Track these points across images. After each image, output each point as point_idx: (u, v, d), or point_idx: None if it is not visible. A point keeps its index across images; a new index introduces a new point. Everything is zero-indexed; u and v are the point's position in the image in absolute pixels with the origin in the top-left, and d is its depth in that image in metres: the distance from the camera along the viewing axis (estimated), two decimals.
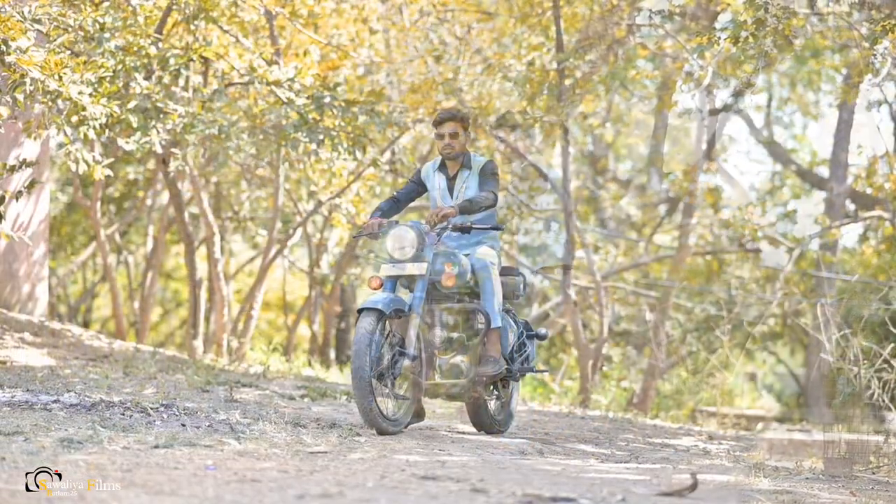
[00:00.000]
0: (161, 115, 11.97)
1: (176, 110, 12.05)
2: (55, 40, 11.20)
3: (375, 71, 17.31)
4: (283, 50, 15.11)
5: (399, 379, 7.89)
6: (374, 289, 8.01)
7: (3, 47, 9.59)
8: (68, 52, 11.69)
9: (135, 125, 11.71)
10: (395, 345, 7.84)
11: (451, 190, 8.52)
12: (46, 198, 14.21)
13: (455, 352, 8.14)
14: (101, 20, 11.80)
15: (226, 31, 14.29)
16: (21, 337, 12.41)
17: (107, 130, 11.66)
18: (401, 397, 7.96)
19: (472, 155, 8.56)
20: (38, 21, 10.56)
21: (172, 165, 13.36)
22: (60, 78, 10.05)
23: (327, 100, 12.39)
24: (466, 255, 8.36)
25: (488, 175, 8.40)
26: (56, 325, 13.84)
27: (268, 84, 12.68)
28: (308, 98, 12.38)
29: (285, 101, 12.40)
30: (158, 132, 11.90)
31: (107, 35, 11.82)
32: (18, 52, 9.65)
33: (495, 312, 8.19)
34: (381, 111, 13.14)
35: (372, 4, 15.74)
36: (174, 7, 12.68)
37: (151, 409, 8.31)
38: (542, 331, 9.06)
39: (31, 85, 9.88)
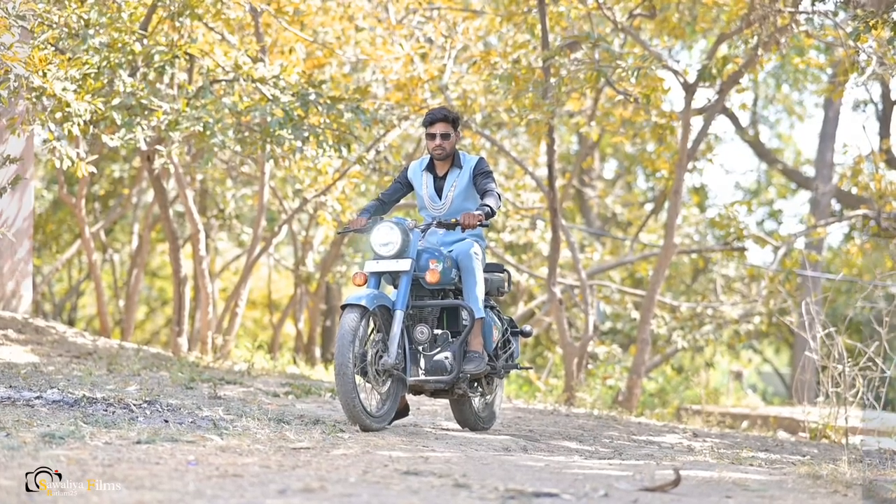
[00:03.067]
0: (146, 112, 11.95)
1: (161, 107, 12.03)
2: (39, 37, 11.17)
3: (361, 69, 17.31)
4: (268, 47, 15.10)
5: (382, 375, 7.86)
6: (359, 285, 7.98)
7: None
8: (53, 48, 11.66)
9: (119, 122, 11.68)
10: (379, 341, 7.82)
11: (439, 190, 8.49)
12: (31, 195, 14.17)
13: (439, 348, 8.12)
14: (85, 17, 11.78)
15: (211, 29, 14.28)
16: (4, 334, 12.37)
17: (91, 127, 11.65)
18: (384, 393, 7.94)
19: (462, 154, 8.53)
20: (23, 17, 10.48)
21: (157, 163, 13.31)
22: (45, 74, 10.02)
23: (312, 97, 12.37)
24: (451, 251, 8.35)
25: (485, 174, 8.38)
26: (40, 322, 13.80)
27: (253, 81, 12.65)
28: (293, 95, 12.36)
29: (270, 98, 12.38)
30: (143, 129, 11.87)
31: (91, 31, 11.80)
32: (2, 48, 9.62)
33: (478, 303, 8.18)
34: (366, 108, 13.13)
35: (358, 2, 15.72)
36: (159, 4, 12.65)
37: (134, 405, 8.29)
38: (527, 328, 9.05)
39: (15, 81, 9.85)
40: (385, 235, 7.95)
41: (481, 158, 8.49)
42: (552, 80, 13.43)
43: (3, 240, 13.29)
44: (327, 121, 12.63)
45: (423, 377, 8.04)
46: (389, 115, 14.84)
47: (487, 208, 8.12)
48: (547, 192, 14.50)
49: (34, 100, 10.43)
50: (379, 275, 8.02)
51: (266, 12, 14.45)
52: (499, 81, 13.51)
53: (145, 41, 12.41)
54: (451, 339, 8.24)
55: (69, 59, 10.78)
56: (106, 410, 8.00)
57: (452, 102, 15.33)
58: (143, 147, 12.14)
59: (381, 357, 7.78)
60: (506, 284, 8.87)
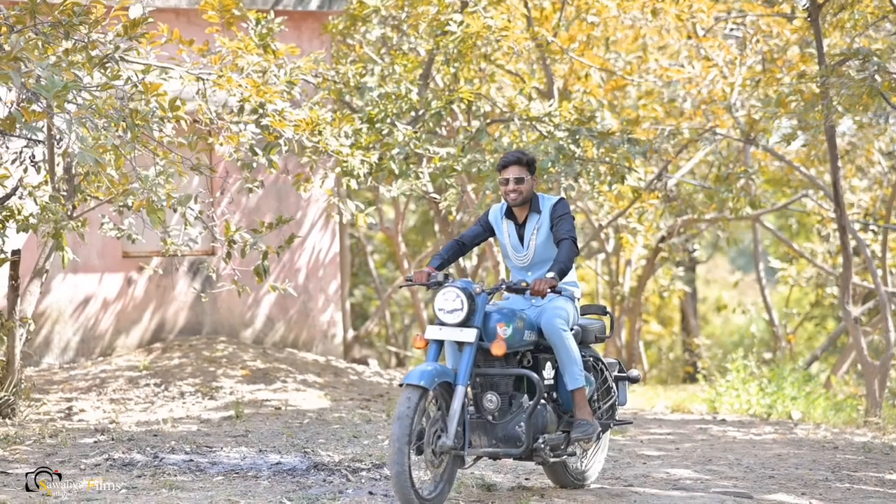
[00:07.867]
0: (422, 160, 12.48)
1: (437, 153, 12.45)
2: (314, 98, 11.95)
3: (666, 85, 17.09)
4: (565, 75, 15.47)
5: (439, 456, 7.25)
6: (419, 348, 7.47)
7: (261, 110, 10.32)
8: (329, 107, 12.51)
9: (397, 172, 12.13)
10: (439, 419, 7.25)
11: (521, 238, 7.93)
12: (338, 236, 15.12)
13: (511, 416, 7.55)
14: (363, 72, 12.68)
15: (493, 62, 14.55)
16: (304, 379, 13.12)
17: (368, 179, 12.31)
18: (439, 475, 7.32)
19: (542, 196, 7.95)
20: (293, 83, 11.19)
21: (442, 205, 13.64)
22: (320, 133, 10.75)
23: (582, 133, 12.47)
24: (534, 313, 7.87)
25: (561, 217, 7.78)
26: (341, 363, 14.58)
27: (528, 119, 13.02)
28: (566, 131, 12.56)
29: (546, 135, 12.66)
30: (419, 177, 12.29)
31: (371, 84, 12.57)
32: (275, 115, 10.34)
33: (574, 375, 7.65)
34: (640, 139, 13.15)
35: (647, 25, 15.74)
36: (436, 53, 13.29)
37: (363, 469, 8.47)
38: (634, 373, 8.45)
39: (285, 145, 10.64)
40: (450, 302, 7.36)
41: (560, 200, 7.90)
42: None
43: (317, 279, 14.43)
44: (601, 154, 12.69)
45: (490, 449, 7.53)
46: (664, 145, 14.77)
47: (560, 266, 7.50)
48: (834, 210, 13.96)
49: (314, 157, 11.16)
50: (441, 342, 7.48)
51: (553, 44, 14.79)
52: (768, 105, 13.16)
53: (425, 90, 13.05)
54: (524, 406, 7.61)
55: (341, 116, 11.45)
56: (325, 480, 8.08)
57: (741, 123, 15.03)
58: (429, 189, 12.57)
59: (439, 437, 7.19)
60: (607, 330, 8.34)
